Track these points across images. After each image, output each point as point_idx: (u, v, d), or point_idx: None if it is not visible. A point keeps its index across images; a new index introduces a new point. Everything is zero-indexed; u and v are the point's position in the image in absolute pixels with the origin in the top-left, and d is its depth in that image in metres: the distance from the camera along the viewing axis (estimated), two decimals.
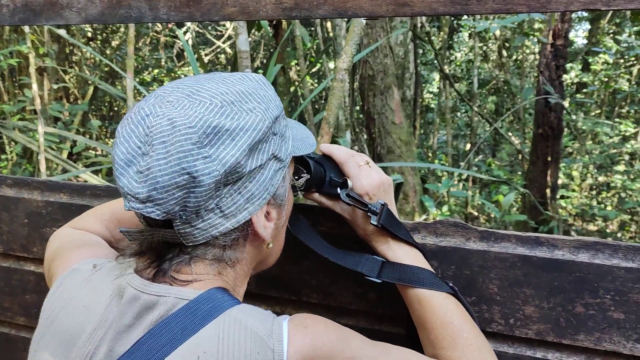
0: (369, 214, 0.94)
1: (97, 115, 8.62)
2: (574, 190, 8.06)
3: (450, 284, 0.95)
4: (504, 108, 10.16)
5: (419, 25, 7.22)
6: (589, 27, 8.92)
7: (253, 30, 9.41)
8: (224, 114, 0.71)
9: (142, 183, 0.69)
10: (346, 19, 4.96)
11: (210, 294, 0.74)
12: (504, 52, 8.96)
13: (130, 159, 0.70)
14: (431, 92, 11.32)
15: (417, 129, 7.39)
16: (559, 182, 6.26)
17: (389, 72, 5.37)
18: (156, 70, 10.13)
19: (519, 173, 8.36)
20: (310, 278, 1.12)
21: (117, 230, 1.03)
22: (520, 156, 8.18)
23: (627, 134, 8.10)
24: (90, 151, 6.67)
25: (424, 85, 10.99)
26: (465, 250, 1.01)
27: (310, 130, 0.96)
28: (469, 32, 9.39)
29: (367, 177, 0.95)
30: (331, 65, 7.52)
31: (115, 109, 9.42)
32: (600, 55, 8.17)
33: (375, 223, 0.93)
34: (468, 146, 9.80)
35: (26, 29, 4.35)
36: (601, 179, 8.11)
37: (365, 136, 6.31)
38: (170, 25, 9.46)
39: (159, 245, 0.76)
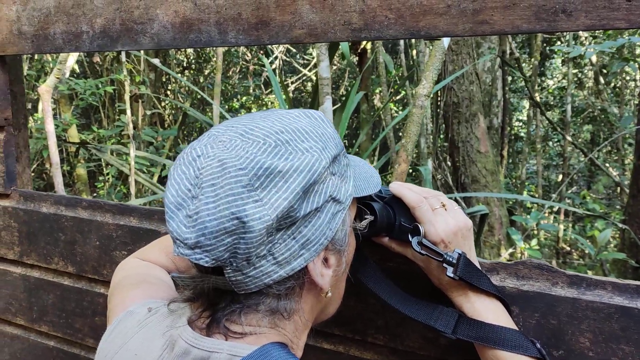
0: (444, 264, 0.84)
1: (187, 140, 8.97)
2: None
3: (538, 345, 0.83)
4: (600, 137, 9.58)
5: (507, 51, 6.98)
6: None
7: (338, 59, 9.52)
8: (277, 154, 0.65)
9: (190, 228, 0.65)
10: (431, 45, 4.87)
11: (265, 350, 0.68)
12: (601, 79, 8.46)
13: (181, 202, 0.66)
14: (520, 120, 10.89)
15: (504, 158, 7.09)
16: None
17: (475, 99, 5.19)
18: (244, 98, 10.45)
19: (617, 207, 7.78)
20: (376, 317, 1.03)
21: (182, 262, 1.00)
22: (618, 189, 7.62)
23: None
24: None
25: (513, 113, 10.59)
26: (552, 296, 0.89)
27: (373, 167, 0.88)
28: (562, 57, 8.98)
29: (442, 222, 0.85)
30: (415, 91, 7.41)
31: None
32: None
33: (451, 275, 0.83)
34: (560, 177, 9.29)
35: (123, 57, 4.60)
36: None
37: (449, 164, 6.12)
38: (260, 53, 9.78)
39: (211, 292, 0.71)
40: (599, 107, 8.52)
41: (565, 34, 8.11)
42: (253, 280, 0.67)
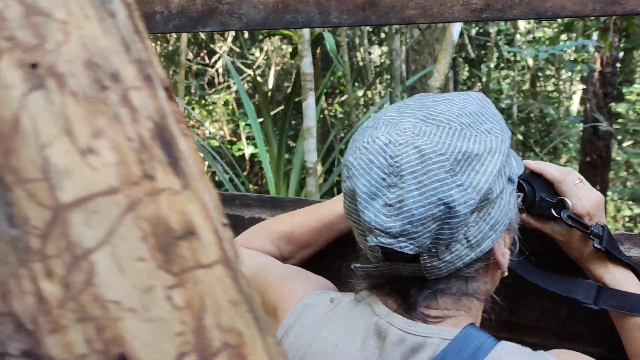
0: (591, 236, 0.87)
1: None
2: (608, 222, 7.90)
3: None
4: (532, 139, 10.10)
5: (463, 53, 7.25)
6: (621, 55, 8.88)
7: (286, 60, 9.51)
8: (465, 137, 0.66)
9: (392, 217, 0.64)
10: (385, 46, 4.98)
11: (468, 332, 0.69)
12: (537, 82, 8.94)
13: (375, 191, 0.65)
14: None
15: None
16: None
17: None
18: (187, 97, 10.23)
19: None
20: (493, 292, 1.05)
21: (286, 248, 1.00)
22: None
23: None
24: None
25: None
26: None
27: None
28: (496, 62, 9.35)
29: (587, 196, 0.88)
30: (359, 93, 7.59)
31: None
32: (635, 85, 8.14)
33: (599, 246, 0.86)
34: None
35: None
36: (638, 210, 7.97)
37: None
38: (201, 54, 9.61)
39: (397, 279, 0.71)
40: (538, 108, 9.00)
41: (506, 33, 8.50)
42: (447, 265, 0.68)
